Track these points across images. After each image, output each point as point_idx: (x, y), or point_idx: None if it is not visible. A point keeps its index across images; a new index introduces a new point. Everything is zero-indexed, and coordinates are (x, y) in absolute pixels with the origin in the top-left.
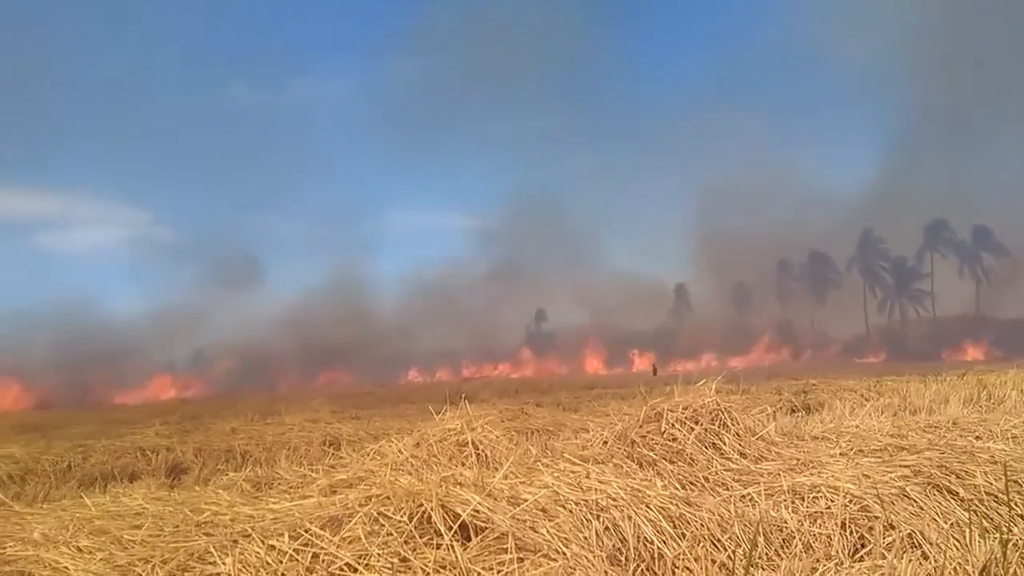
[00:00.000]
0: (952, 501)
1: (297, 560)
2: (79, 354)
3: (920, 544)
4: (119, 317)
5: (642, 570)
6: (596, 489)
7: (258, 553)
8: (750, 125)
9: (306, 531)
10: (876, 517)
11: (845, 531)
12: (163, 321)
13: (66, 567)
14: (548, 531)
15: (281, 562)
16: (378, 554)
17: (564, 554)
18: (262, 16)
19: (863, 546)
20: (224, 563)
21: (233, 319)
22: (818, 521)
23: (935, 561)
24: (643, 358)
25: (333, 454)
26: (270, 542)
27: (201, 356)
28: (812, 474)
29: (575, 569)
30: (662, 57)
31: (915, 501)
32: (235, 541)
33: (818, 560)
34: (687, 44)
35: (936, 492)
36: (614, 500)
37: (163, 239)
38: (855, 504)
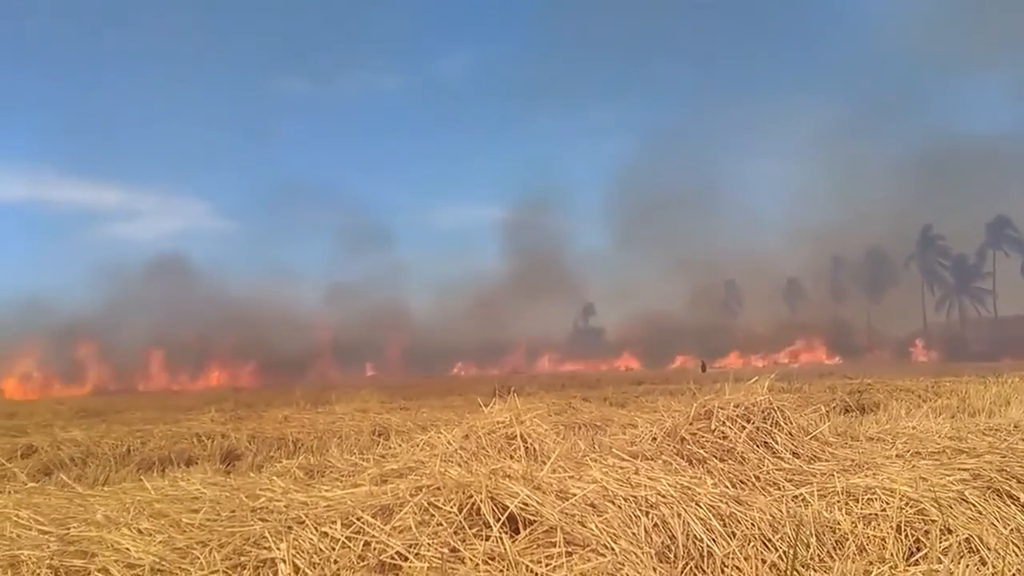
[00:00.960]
0: (1013, 506)
1: (349, 547)
2: (138, 341)
3: (978, 549)
4: (172, 308)
5: (691, 568)
6: (645, 485)
7: (311, 539)
8: (807, 117)
9: (358, 519)
10: (933, 521)
11: (900, 534)
12: (218, 311)
13: (127, 548)
14: (596, 526)
15: (333, 549)
16: (428, 544)
17: (613, 549)
18: (314, 9)
19: (918, 550)
20: (279, 548)
21: (284, 309)
22: (872, 523)
23: (993, 567)
24: (691, 355)
25: (382, 444)
26: (323, 529)
27: (252, 345)
28: (867, 475)
29: (624, 565)
30: (715, 46)
31: (974, 505)
32: (289, 527)
33: (871, 563)
34: (749, 33)
35: (996, 496)
36: (663, 497)
37: (219, 230)
38: (911, 507)
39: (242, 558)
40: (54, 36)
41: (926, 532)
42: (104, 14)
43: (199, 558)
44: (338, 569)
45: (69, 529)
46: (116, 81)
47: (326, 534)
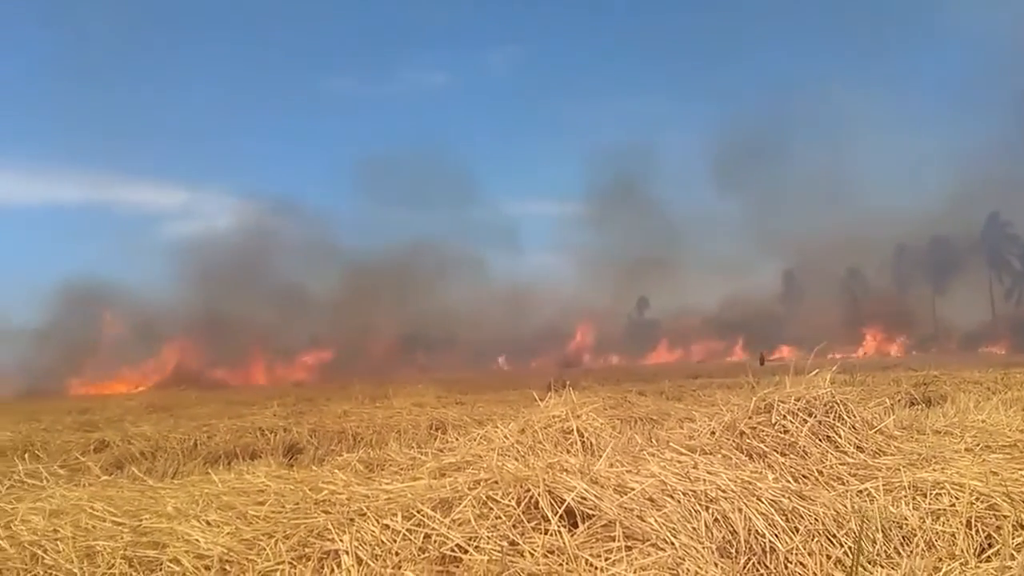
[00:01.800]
0: None
1: (410, 539)
2: (202, 338)
3: None
4: (237, 304)
5: (753, 563)
6: (705, 480)
7: (373, 532)
8: (869, 104)
9: (418, 512)
10: (1005, 516)
11: (971, 530)
12: (277, 309)
13: (197, 539)
14: (656, 520)
15: (395, 541)
16: (487, 537)
17: (673, 544)
18: (366, 8)
19: (990, 546)
20: (342, 540)
21: (337, 307)
22: (941, 519)
23: None
24: (749, 347)
25: (440, 438)
26: (384, 521)
27: (313, 342)
28: (935, 470)
29: (684, 559)
30: (766, 36)
31: None
32: (351, 519)
33: (940, 559)
34: (806, 23)
35: None
36: (723, 491)
37: (275, 229)
38: (982, 502)
39: (306, 549)
40: (109, 43)
41: (998, 528)
42: (154, 19)
43: (265, 549)
44: (399, 561)
45: (141, 521)
46: (168, 86)
47: (387, 526)
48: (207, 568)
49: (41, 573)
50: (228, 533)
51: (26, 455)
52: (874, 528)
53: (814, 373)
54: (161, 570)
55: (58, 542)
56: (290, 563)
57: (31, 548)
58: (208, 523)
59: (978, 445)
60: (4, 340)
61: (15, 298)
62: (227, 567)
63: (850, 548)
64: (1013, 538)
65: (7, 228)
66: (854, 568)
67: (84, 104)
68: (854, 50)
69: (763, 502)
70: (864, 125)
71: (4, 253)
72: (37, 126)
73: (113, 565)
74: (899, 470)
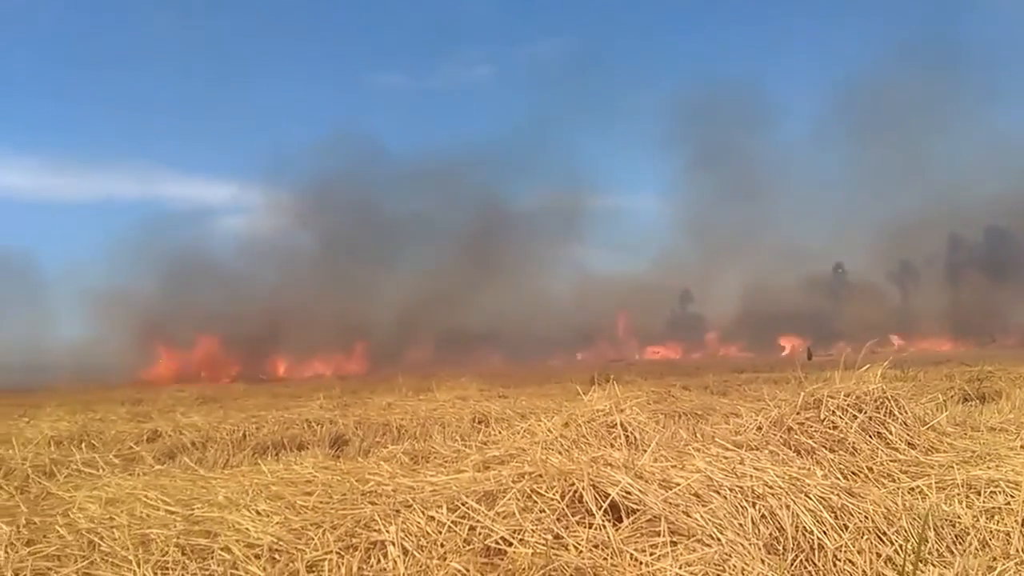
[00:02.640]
0: None
1: (455, 531)
2: (246, 331)
3: None
4: (282, 299)
5: (801, 561)
6: (751, 476)
7: (419, 523)
8: (921, 82)
9: (463, 504)
10: None
11: None
12: (322, 302)
13: (247, 528)
14: (702, 516)
15: (440, 532)
16: (532, 530)
17: (719, 540)
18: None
19: None
20: (388, 531)
21: (375, 301)
22: (995, 517)
23: None
24: (796, 342)
25: (483, 431)
26: (430, 513)
27: (355, 335)
28: (989, 468)
29: (731, 556)
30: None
31: None
32: (397, 511)
33: (995, 558)
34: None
35: None
36: (771, 488)
37: (315, 224)
38: None
39: (354, 540)
40: (159, 34)
41: None
42: (208, 10)
43: (313, 539)
44: (445, 552)
45: (193, 510)
46: (214, 81)
47: (433, 518)
48: (257, 557)
49: (98, 560)
50: (277, 523)
51: (82, 444)
52: (927, 526)
53: (864, 368)
54: (212, 558)
55: (114, 529)
56: (338, 553)
57: (88, 535)
58: (258, 513)
59: None
60: (58, 338)
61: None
62: (276, 556)
63: (901, 546)
64: None
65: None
66: (914, 566)
67: (134, 97)
68: (904, 30)
69: (811, 499)
70: (918, 102)
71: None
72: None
73: (167, 553)
74: (952, 467)
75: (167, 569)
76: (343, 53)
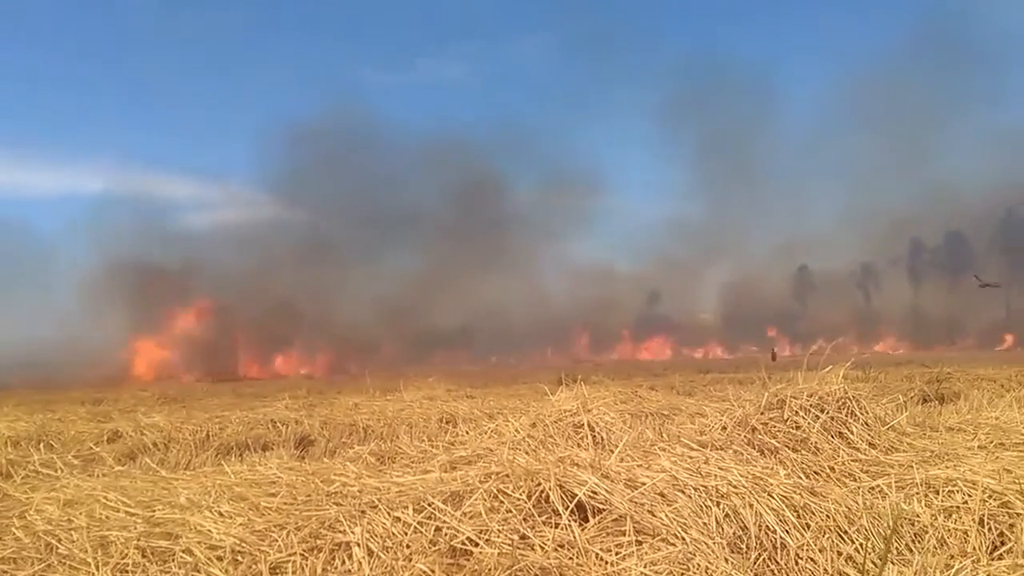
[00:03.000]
0: None
1: (421, 532)
2: (211, 329)
3: None
4: (249, 296)
5: (764, 559)
6: (716, 475)
7: (384, 524)
8: (879, 93)
9: (429, 504)
10: (1018, 514)
11: (983, 527)
12: (290, 301)
13: (209, 530)
14: (666, 515)
15: (406, 533)
16: (498, 530)
17: (683, 539)
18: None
19: (1003, 544)
20: (353, 532)
21: (345, 301)
22: (953, 516)
23: None
24: (763, 343)
25: (450, 431)
26: (395, 514)
27: (320, 336)
28: (948, 467)
29: (695, 555)
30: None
31: None
32: (363, 512)
33: (952, 556)
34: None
35: None
36: (735, 487)
37: (291, 222)
38: (995, 500)
39: (318, 541)
40: (134, 29)
41: (1011, 526)
42: (175, 7)
43: (277, 540)
44: (410, 553)
45: (154, 511)
46: (192, 74)
47: (399, 519)
48: (219, 559)
49: (55, 563)
50: (240, 524)
51: (40, 445)
52: (894, 526)
53: (827, 369)
54: (174, 560)
55: (72, 532)
56: (302, 555)
57: (45, 538)
58: (220, 514)
59: (991, 442)
60: (23, 331)
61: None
62: (239, 558)
63: (861, 545)
64: None
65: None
66: (881, 566)
67: (108, 92)
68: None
69: (774, 498)
70: (877, 112)
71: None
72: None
73: (126, 555)
74: (911, 467)
75: (127, 571)
76: (324, 49)
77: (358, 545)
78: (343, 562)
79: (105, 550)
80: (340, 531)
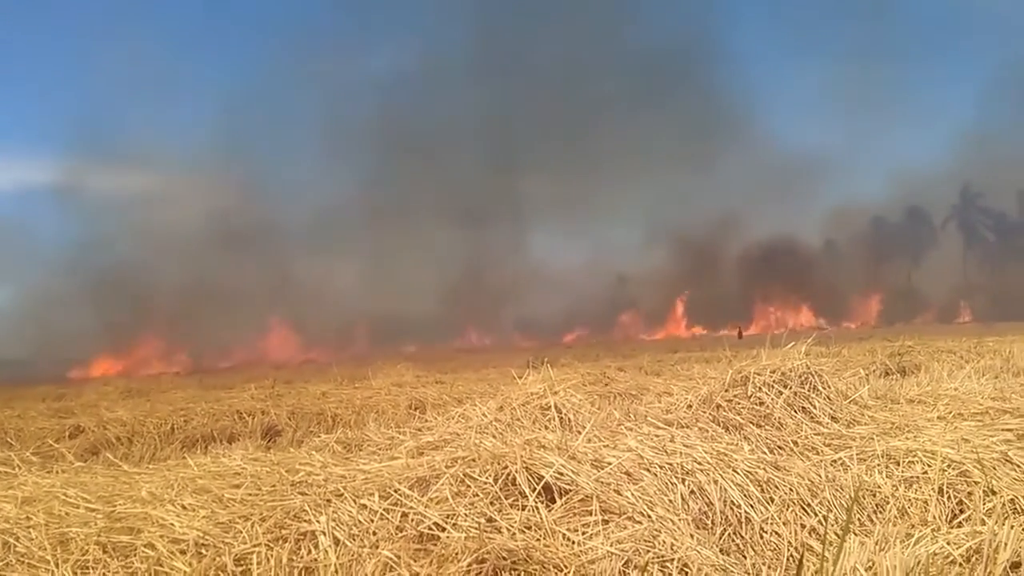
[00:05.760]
0: None
1: (387, 519)
2: (179, 319)
3: (1023, 510)
4: (217, 284)
5: (729, 534)
6: (681, 453)
7: (350, 512)
8: (836, 74)
9: (395, 491)
10: (976, 482)
11: (943, 496)
12: (262, 286)
13: (172, 523)
14: (632, 494)
15: (372, 521)
16: (465, 514)
17: (649, 516)
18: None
19: (962, 512)
20: (319, 521)
21: (319, 288)
22: (914, 486)
23: None
24: (729, 323)
25: (419, 417)
26: (361, 501)
27: (289, 323)
28: (908, 438)
29: (660, 532)
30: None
31: (1018, 466)
32: (328, 500)
33: (913, 526)
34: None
35: None
36: (699, 464)
37: (250, 211)
38: (953, 469)
39: (283, 531)
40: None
41: (969, 494)
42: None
43: (241, 532)
44: (377, 540)
45: (115, 506)
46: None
47: (364, 506)
48: (182, 552)
49: (13, 561)
50: (204, 517)
51: None
52: (848, 496)
53: (790, 346)
54: (135, 555)
55: (30, 529)
56: (267, 545)
57: (3, 536)
58: (183, 507)
59: (950, 413)
60: None
61: None
62: (203, 551)
63: (824, 517)
64: (984, 504)
65: None
66: (825, 536)
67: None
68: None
69: (739, 473)
70: (835, 93)
71: None
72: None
73: (87, 551)
74: (872, 439)
75: (87, 568)
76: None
77: (324, 534)
78: (309, 551)
79: (65, 547)
80: (305, 520)
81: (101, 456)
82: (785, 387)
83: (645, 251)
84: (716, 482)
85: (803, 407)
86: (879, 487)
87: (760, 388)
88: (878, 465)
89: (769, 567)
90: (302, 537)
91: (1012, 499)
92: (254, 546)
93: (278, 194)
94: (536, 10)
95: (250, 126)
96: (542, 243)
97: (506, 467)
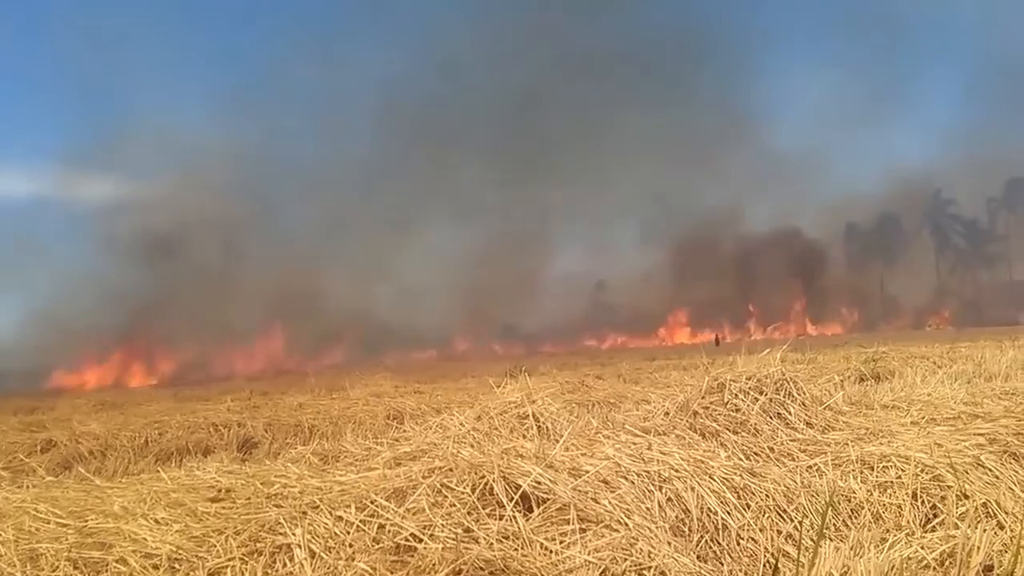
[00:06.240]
0: None
1: (364, 531)
2: (156, 330)
3: (995, 514)
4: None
5: (706, 541)
6: (658, 460)
7: (326, 524)
8: (815, 84)
9: (372, 503)
10: (949, 487)
11: (916, 501)
12: (240, 298)
13: (144, 538)
14: (610, 502)
15: (348, 532)
16: (442, 524)
17: (626, 524)
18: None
19: (935, 516)
20: (294, 534)
21: (301, 299)
22: (888, 491)
23: (1011, 531)
24: (706, 330)
25: (397, 428)
26: (337, 513)
27: (265, 335)
28: (882, 444)
29: (638, 539)
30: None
31: (990, 470)
32: (304, 513)
33: (887, 530)
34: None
35: (1012, 460)
36: (676, 471)
37: (230, 219)
38: (927, 474)
39: (258, 544)
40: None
41: (942, 498)
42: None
43: (215, 546)
44: (353, 552)
45: (87, 521)
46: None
47: (341, 518)
48: (155, 567)
49: None
50: (177, 531)
51: None
52: (823, 502)
53: (766, 352)
54: (108, 571)
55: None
56: (241, 559)
57: None
58: (156, 521)
59: (923, 418)
60: None
61: None
62: (176, 565)
63: (799, 523)
64: (957, 508)
65: None
66: (800, 542)
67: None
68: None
69: (715, 480)
70: (813, 102)
71: None
72: None
73: (57, 567)
74: (847, 445)
75: None
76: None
77: (299, 547)
78: (284, 564)
79: (35, 563)
80: (281, 533)
81: (73, 470)
82: (761, 393)
83: (625, 257)
84: (693, 489)
85: (779, 413)
86: (854, 492)
87: (736, 395)
88: (853, 470)
89: (746, 573)
90: (277, 550)
91: (984, 503)
92: (228, 560)
93: (264, 199)
94: (536, 10)
95: (244, 131)
96: (535, 248)
97: (483, 477)
